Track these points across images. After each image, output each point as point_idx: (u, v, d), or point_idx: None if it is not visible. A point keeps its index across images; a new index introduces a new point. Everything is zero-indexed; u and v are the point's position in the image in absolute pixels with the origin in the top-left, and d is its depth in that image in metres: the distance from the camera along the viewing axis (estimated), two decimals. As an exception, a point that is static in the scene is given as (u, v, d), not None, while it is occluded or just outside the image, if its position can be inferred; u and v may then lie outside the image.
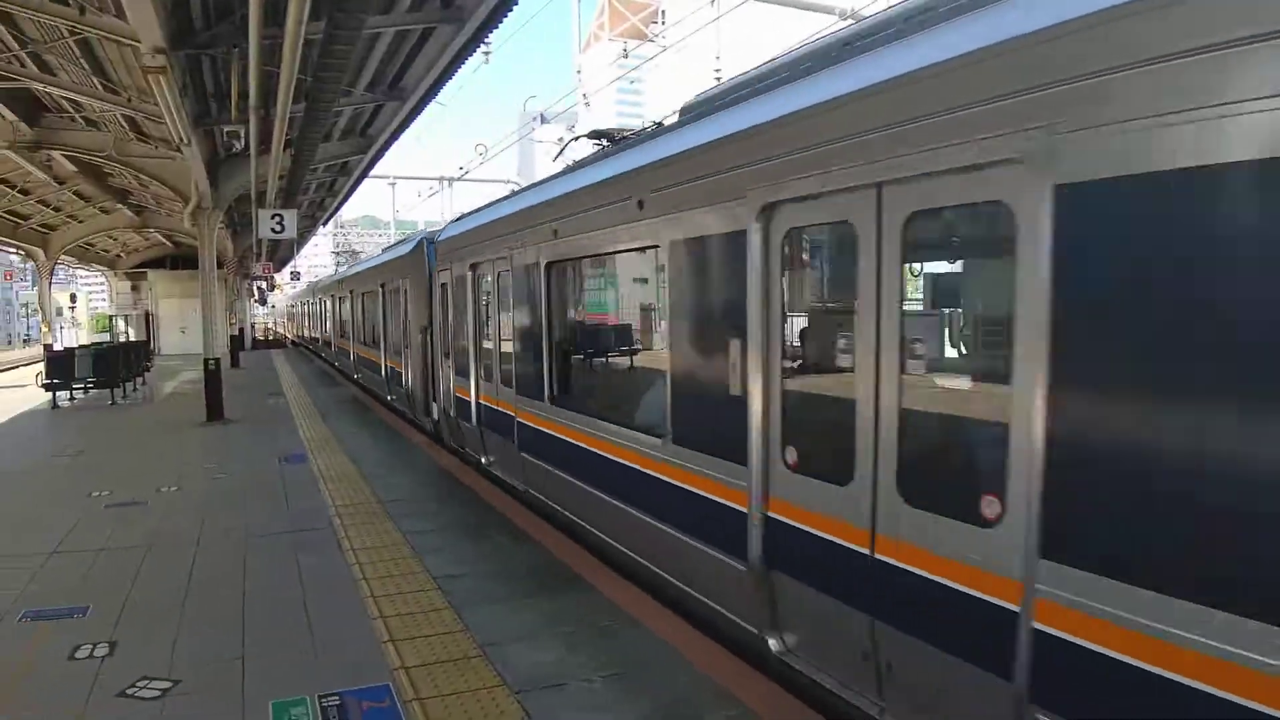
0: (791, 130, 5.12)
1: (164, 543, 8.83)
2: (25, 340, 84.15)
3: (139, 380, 25.45)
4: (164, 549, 8.60)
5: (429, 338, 15.34)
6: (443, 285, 14.26)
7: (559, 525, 9.17)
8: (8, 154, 19.17)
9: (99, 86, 15.23)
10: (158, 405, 21.77)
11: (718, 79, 30.55)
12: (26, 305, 74.09)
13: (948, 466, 4.60)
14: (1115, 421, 3.26)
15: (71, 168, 22.52)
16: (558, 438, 9.02)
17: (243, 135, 14.80)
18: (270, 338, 72.78)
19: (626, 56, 35.75)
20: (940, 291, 5.20)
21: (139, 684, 5.50)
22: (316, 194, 29.76)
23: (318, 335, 41.16)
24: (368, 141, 20.67)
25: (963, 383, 4.79)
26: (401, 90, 16.33)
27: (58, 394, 21.11)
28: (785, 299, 5.40)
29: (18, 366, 42.47)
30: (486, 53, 22.07)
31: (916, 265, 4.79)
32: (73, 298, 65.67)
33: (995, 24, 3.83)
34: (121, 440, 15.90)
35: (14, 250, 35.60)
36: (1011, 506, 3.68)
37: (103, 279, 51.18)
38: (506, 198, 12.65)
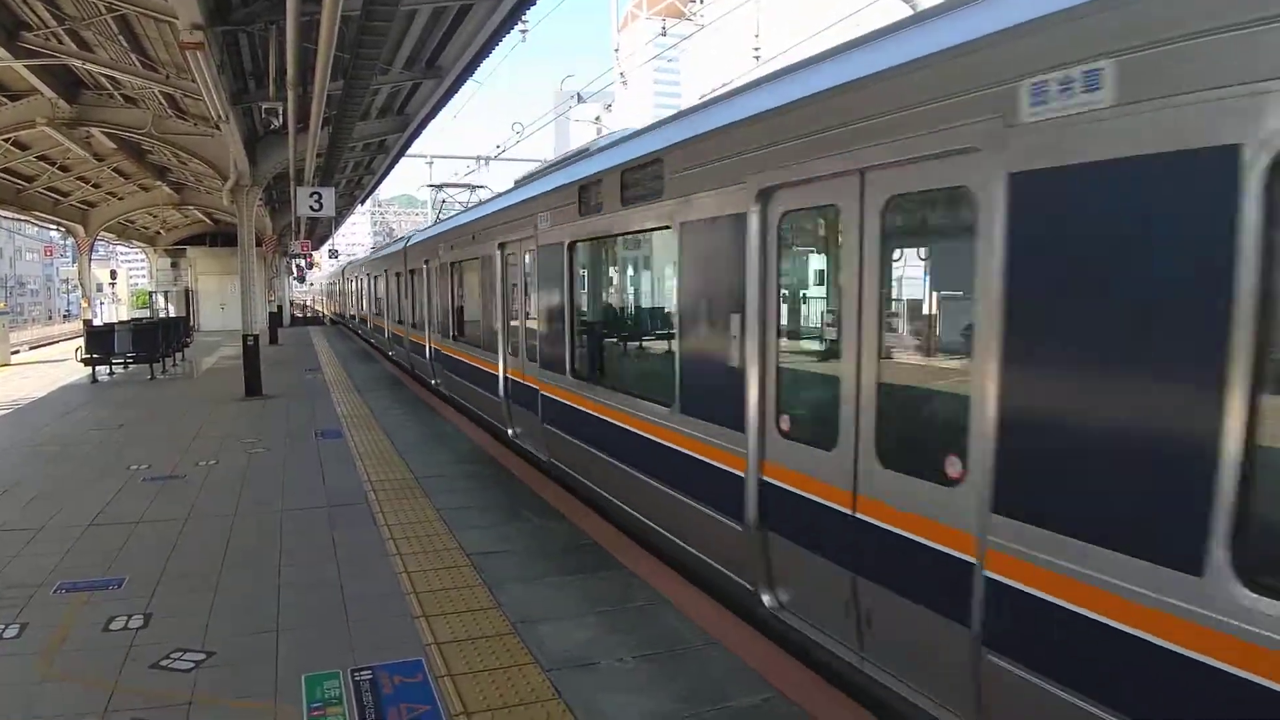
0: (797, 115, 5.36)
1: (200, 516, 8.89)
2: (66, 316, 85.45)
3: (178, 356, 25.69)
4: (200, 522, 8.66)
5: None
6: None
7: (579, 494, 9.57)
8: (47, 130, 19.30)
9: (137, 63, 15.29)
10: (197, 381, 21.97)
11: (756, 58, 30.31)
12: (67, 281, 75.14)
13: (919, 432, 4.88)
14: (1055, 395, 3.63)
15: (111, 145, 22.68)
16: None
17: (280, 112, 14.80)
18: (309, 315, 73.37)
19: (665, 35, 35.57)
20: (916, 273, 5.27)
21: (173, 655, 5.53)
22: (354, 172, 29.83)
23: (356, 313, 41.75)
24: (405, 120, 20.65)
25: (934, 357, 5.04)
26: (438, 68, 16.27)
27: (97, 369, 21.36)
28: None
29: (58, 341, 43.20)
30: (524, 31, 22.02)
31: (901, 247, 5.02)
32: (113, 274, 66.36)
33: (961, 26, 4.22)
34: (160, 415, 16.05)
35: (54, 226, 35.98)
36: (972, 468, 4.02)
37: (143, 255, 51.74)
38: (526, 179, 12.99)
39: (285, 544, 7.90)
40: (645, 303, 9.43)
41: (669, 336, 7.24)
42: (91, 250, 35.56)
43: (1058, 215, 3.56)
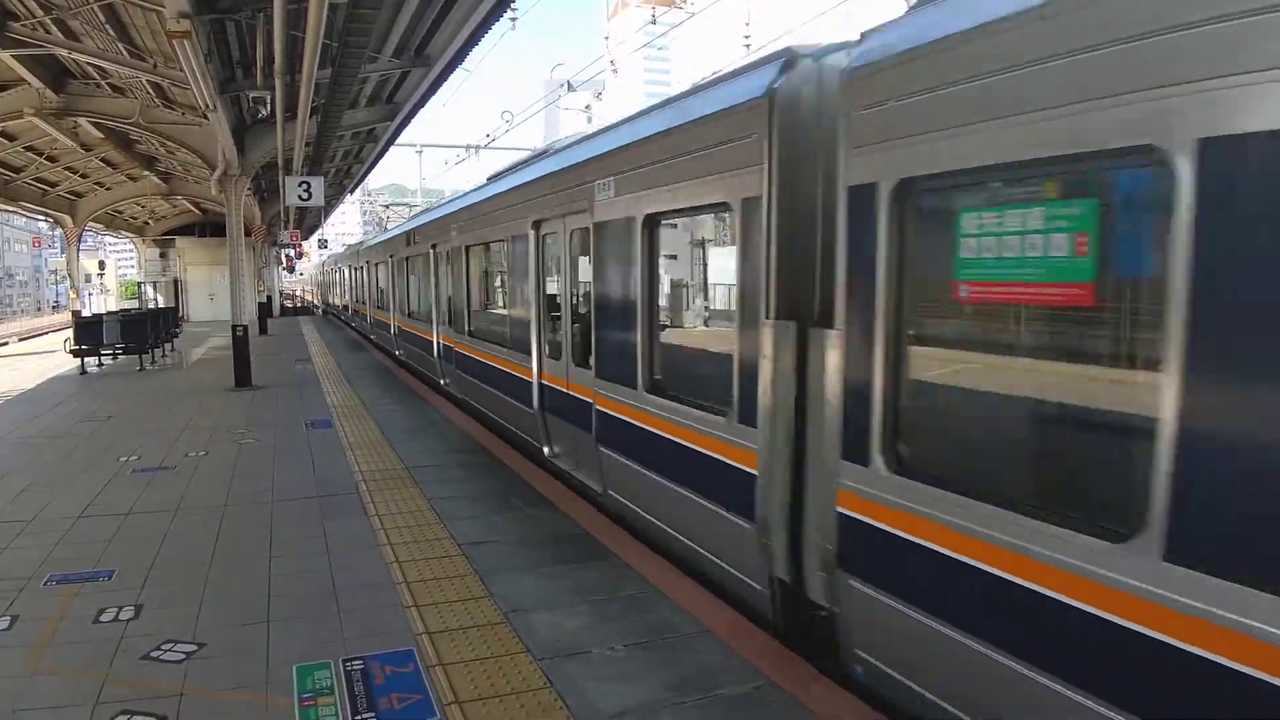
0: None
1: (191, 507, 8.87)
2: (54, 307, 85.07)
3: (167, 346, 25.59)
4: (191, 513, 8.65)
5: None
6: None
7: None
8: (35, 121, 19.19)
9: (124, 53, 15.20)
10: (186, 371, 21.90)
11: (747, 47, 30.26)
12: (55, 272, 74.65)
13: (580, 346, 9.08)
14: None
15: (98, 134, 22.55)
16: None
17: (268, 101, 14.74)
18: (299, 305, 73.13)
19: (654, 23, 35.49)
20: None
21: (164, 647, 5.52)
22: (343, 161, 29.73)
23: (349, 303, 41.33)
24: (394, 109, 20.57)
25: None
26: (427, 57, 16.20)
27: (86, 360, 21.28)
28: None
29: (47, 333, 42.97)
30: (513, 18, 21.86)
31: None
32: (101, 264, 65.97)
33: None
34: (150, 406, 16.01)
35: (42, 217, 35.77)
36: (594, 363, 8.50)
37: (131, 246, 51.50)
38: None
39: (276, 535, 7.89)
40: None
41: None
42: (80, 241, 35.39)
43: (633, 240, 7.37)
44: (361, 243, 39.41)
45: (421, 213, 22.93)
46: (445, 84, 18.00)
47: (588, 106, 34.31)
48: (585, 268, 8.77)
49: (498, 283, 13.18)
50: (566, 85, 32.73)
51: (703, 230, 7.49)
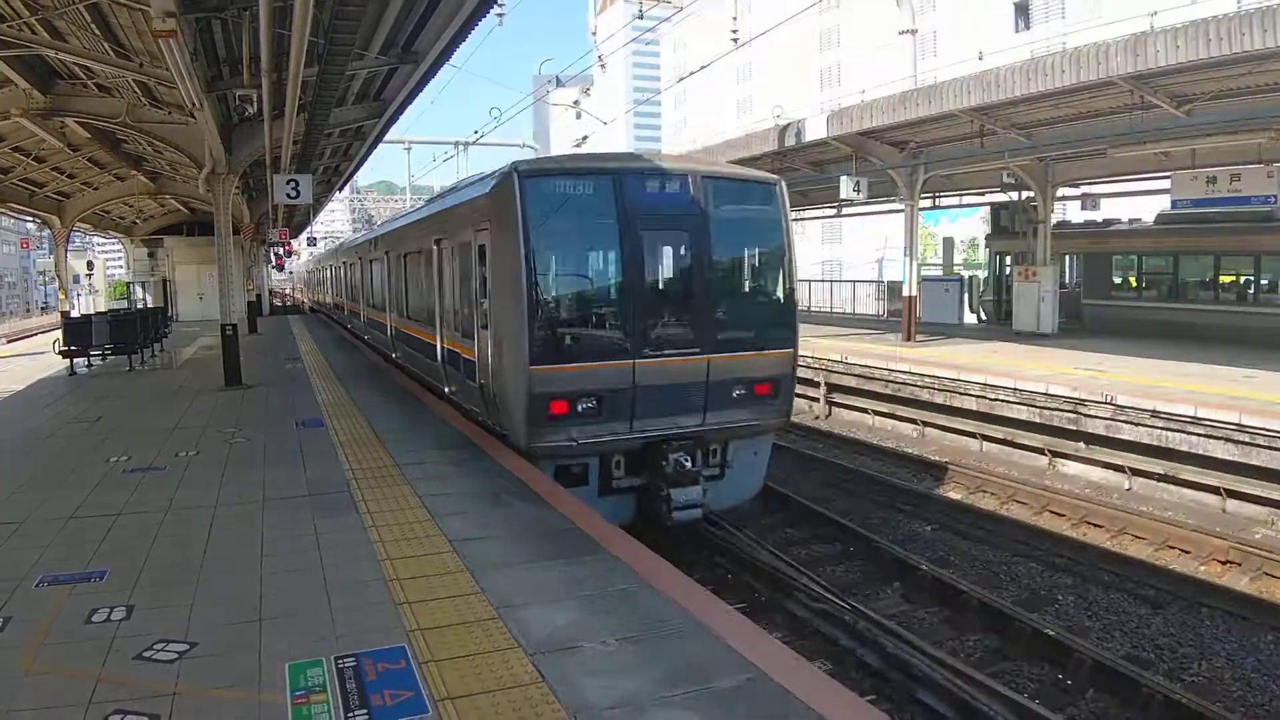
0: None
1: (182, 507, 8.87)
2: (43, 308, 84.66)
3: (157, 346, 25.51)
4: (182, 513, 8.65)
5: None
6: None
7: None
8: (22, 122, 19.08)
9: (110, 52, 15.12)
10: (176, 371, 21.84)
11: (734, 40, 30.22)
12: (44, 273, 74.26)
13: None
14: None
15: (85, 134, 22.42)
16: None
17: (255, 99, 14.68)
18: (288, 304, 72.95)
19: (642, 18, 35.48)
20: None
21: (156, 646, 5.55)
22: (332, 159, 29.61)
23: (329, 299, 45.10)
24: (382, 106, 20.50)
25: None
26: (415, 53, 16.15)
27: (75, 361, 21.20)
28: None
29: (36, 334, 42.77)
30: (500, 14, 21.88)
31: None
32: (90, 265, 65.71)
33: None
34: (140, 406, 15.99)
35: (30, 218, 35.58)
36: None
37: (120, 246, 51.27)
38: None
39: (267, 534, 7.90)
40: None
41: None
42: (68, 242, 35.20)
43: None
44: (339, 246, 44.96)
45: (383, 223, 32.63)
46: (433, 81, 17.95)
47: (576, 101, 34.30)
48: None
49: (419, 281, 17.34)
50: (555, 81, 32.75)
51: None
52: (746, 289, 12.46)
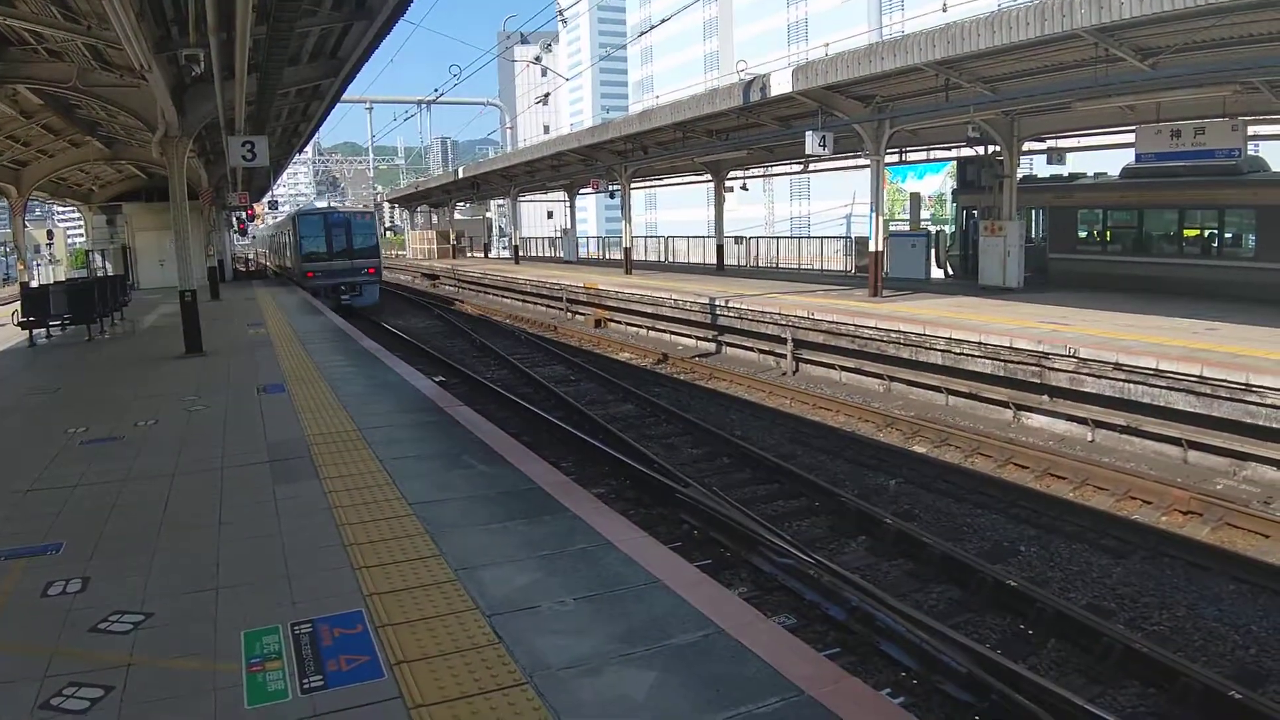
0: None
1: (140, 477, 8.77)
2: (4, 280, 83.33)
3: (117, 315, 25.18)
4: (140, 483, 8.55)
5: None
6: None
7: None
8: (-29, 90, 18.66)
9: (58, 15, 14.76)
10: (136, 340, 21.57)
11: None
12: (4, 244, 73.05)
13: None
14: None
15: (37, 101, 21.95)
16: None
17: (202, 60, 14.36)
18: (252, 269, 72.13)
19: (603, -28, 35.00)
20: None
21: (111, 618, 5.49)
22: (290, 119, 29.11)
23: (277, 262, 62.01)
24: (338, 64, 20.12)
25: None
26: (368, 9, 15.86)
27: (35, 332, 20.88)
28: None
29: (-4, 305, 42.09)
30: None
31: None
32: (50, 234, 64.75)
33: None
34: (99, 376, 15.79)
35: (-15, 188, 34.87)
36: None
37: (79, 214, 50.45)
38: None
39: (225, 501, 7.83)
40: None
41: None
42: (25, 211, 34.55)
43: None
44: (278, 222, 62.93)
45: (278, 221, 59.32)
46: (392, 37, 17.63)
47: (538, 58, 33.95)
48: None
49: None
50: (521, 37, 32.32)
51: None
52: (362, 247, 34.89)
